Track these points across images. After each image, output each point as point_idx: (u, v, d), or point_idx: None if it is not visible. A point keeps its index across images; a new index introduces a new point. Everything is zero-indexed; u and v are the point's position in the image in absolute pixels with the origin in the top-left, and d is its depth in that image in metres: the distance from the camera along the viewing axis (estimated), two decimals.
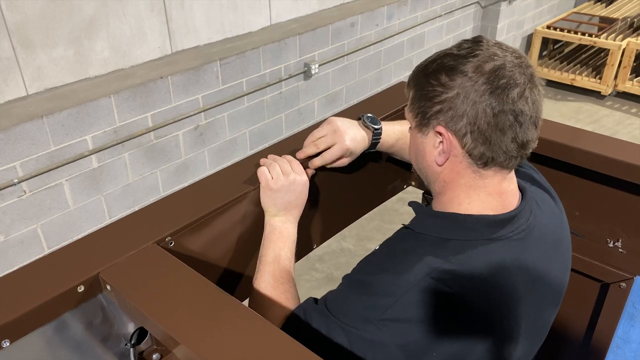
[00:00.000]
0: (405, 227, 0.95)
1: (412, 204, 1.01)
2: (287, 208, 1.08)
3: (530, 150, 0.88)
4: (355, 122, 1.17)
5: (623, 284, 1.33)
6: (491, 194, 0.88)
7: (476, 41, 0.86)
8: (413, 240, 0.90)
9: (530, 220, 0.91)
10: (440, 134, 0.86)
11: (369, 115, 1.18)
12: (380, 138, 1.18)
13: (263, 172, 1.07)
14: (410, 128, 0.95)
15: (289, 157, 1.12)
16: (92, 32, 2.32)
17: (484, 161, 0.85)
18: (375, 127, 1.17)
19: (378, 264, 0.90)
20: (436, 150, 0.88)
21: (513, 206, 0.90)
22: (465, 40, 0.88)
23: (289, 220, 1.09)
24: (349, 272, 0.93)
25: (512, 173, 0.91)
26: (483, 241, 0.86)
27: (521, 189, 0.94)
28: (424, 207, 0.99)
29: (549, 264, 0.94)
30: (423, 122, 0.88)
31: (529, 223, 0.90)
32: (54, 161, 2.17)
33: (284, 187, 1.06)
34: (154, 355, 1.02)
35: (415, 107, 0.89)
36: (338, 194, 1.40)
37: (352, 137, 1.13)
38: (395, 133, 1.21)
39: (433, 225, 0.90)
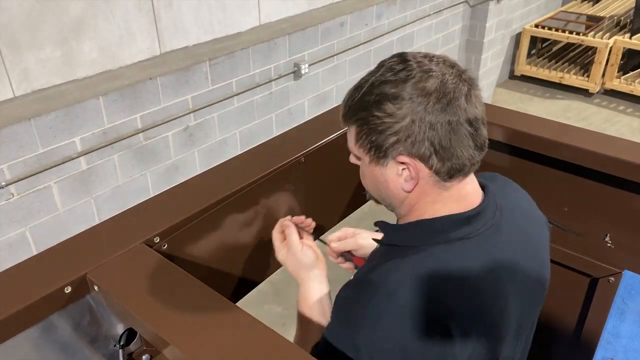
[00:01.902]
0: (378, 243, 0.96)
1: (378, 224, 0.99)
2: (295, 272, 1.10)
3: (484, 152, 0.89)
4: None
5: (612, 278, 1.34)
6: (456, 199, 0.89)
7: (404, 60, 0.85)
8: (383, 255, 0.91)
9: (497, 215, 0.91)
10: (403, 163, 0.85)
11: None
12: None
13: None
14: (357, 160, 0.93)
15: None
16: (79, 33, 2.30)
17: (451, 174, 0.86)
18: None
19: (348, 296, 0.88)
20: (400, 178, 0.87)
21: (477, 204, 0.90)
22: (392, 62, 0.86)
23: (303, 281, 1.08)
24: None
25: (472, 174, 0.91)
26: (453, 242, 0.86)
27: (482, 186, 0.94)
28: (390, 225, 0.96)
29: (525, 258, 0.93)
30: (379, 154, 0.86)
31: (496, 219, 0.90)
32: (42, 163, 2.15)
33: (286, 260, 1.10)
34: (143, 356, 1.01)
35: (365, 142, 0.87)
36: (327, 194, 1.40)
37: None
38: None
39: (401, 237, 0.91)
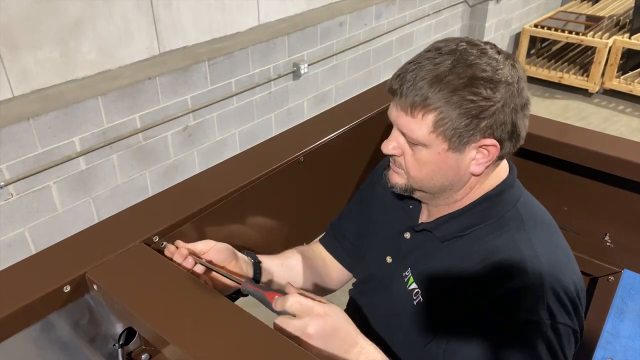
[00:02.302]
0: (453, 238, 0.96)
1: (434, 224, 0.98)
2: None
3: None
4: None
5: (611, 278, 1.34)
6: (498, 169, 0.95)
7: (475, 45, 0.86)
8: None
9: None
10: (486, 146, 0.87)
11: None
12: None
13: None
14: (405, 149, 0.91)
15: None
16: (78, 33, 2.30)
17: (509, 154, 0.92)
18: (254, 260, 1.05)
19: None
20: (473, 161, 0.89)
21: (506, 170, 0.98)
22: (463, 46, 0.85)
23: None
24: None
25: None
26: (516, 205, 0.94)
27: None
28: (446, 216, 0.97)
29: None
30: (462, 140, 0.85)
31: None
32: (41, 163, 2.15)
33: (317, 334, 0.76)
34: (142, 356, 1.01)
35: (448, 128, 0.84)
36: (326, 194, 1.40)
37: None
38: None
39: (477, 216, 0.94)
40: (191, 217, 1.02)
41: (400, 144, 0.91)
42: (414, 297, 0.97)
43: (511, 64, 0.87)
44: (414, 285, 0.98)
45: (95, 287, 0.86)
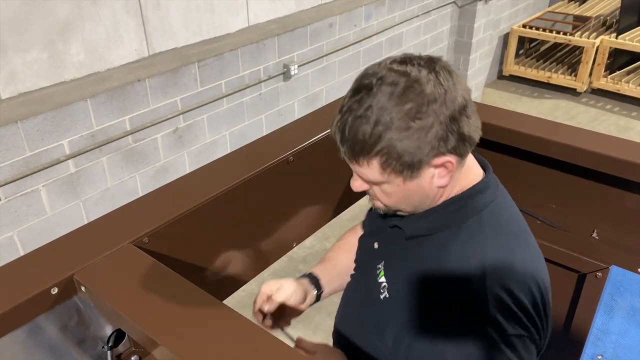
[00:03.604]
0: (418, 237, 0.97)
1: (397, 224, 1.00)
2: None
3: None
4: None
5: (599, 274, 1.35)
6: (466, 168, 0.94)
7: (388, 75, 0.84)
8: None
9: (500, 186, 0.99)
10: (440, 165, 0.87)
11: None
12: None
13: None
14: (372, 185, 0.92)
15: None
16: (66, 35, 2.28)
17: (469, 151, 0.91)
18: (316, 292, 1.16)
19: None
20: (435, 178, 0.89)
21: (480, 175, 0.97)
22: (379, 80, 0.84)
23: None
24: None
25: None
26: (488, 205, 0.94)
27: (479, 160, 1.00)
28: (410, 218, 0.98)
29: None
30: (414, 170, 0.87)
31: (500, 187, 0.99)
32: (29, 167, 2.13)
33: None
34: (132, 358, 1.00)
35: (396, 166, 0.86)
36: (316, 193, 1.40)
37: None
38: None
39: (436, 223, 0.94)
40: (180, 217, 1.02)
41: (364, 182, 0.93)
42: (382, 291, 0.99)
43: (435, 74, 0.85)
44: (383, 279, 1.00)
45: (83, 288, 0.85)
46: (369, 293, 1.03)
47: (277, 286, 1.05)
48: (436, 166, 0.87)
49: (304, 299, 1.10)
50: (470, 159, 0.96)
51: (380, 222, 1.08)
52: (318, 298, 1.16)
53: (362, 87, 0.85)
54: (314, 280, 1.15)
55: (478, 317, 0.85)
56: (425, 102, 0.82)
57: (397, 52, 4.16)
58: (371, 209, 1.24)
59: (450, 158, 0.87)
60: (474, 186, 0.94)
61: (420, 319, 0.90)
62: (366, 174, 0.89)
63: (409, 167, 0.86)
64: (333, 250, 1.29)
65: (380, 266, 1.02)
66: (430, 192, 0.91)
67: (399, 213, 0.98)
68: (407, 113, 0.82)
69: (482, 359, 0.84)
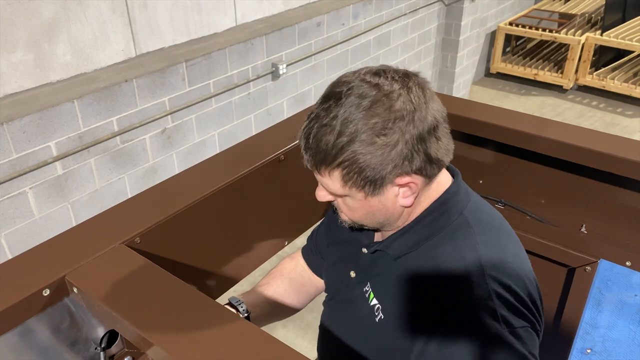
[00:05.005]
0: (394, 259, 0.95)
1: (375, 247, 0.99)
2: None
3: None
4: None
5: (588, 268, 1.37)
6: (436, 183, 0.92)
7: (358, 86, 0.82)
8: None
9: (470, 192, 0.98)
10: (406, 183, 0.86)
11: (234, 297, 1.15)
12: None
13: None
14: (336, 197, 0.91)
15: None
16: (52, 35, 2.26)
17: (440, 170, 0.89)
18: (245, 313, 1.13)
19: None
20: (399, 197, 0.88)
21: (449, 180, 0.95)
22: (349, 92, 0.82)
23: None
24: None
25: None
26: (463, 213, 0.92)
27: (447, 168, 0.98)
28: (390, 239, 0.97)
29: None
30: (376, 186, 0.85)
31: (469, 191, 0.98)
32: (16, 169, 2.11)
33: None
34: (125, 358, 1.00)
35: (357, 180, 0.84)
36: (307, 193, 1.40)
37: None
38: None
39: (421, 235, 0.92)
40: (172, 217, 1.02)
41: (328, 193, 0.91)
42: (376, 314, 0.96)
43: (407, 89, 0.82)
44: (375, 301, 0.97)
45: (75, 289, 0.85)
46: (362, 319, 0.99)
47: None
48: (400, 185, 0.85)
49: None
50: (443, 173, 0.94)
51: (351, 249, 1.05)
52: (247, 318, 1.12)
53: (332, 96, 0.83)
54: (236, 302, 1.11)
55: (484, 314, 0.82)
56: (392, 118, 0.80)
57: (385, 51, 4.17)
58: (312, 233, 1.26)
59: (415, 179, 0.85)
60: (447, 190, 0.92)
61: (423, 329, 0.88)
62: (328, 184, 0.88)
63: (371, 183, 0.84)
64: (267, 276, 1.26)
65: (367, 289, 0.99)
66: (394, 211, 0.90)
67: (365, 227, 0.97)
68: (372, 127, 0.80)
69: (493, 355, 0.82)
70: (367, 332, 0.98)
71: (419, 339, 0.87)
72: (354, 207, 0.90)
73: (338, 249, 1.13)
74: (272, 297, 1.18)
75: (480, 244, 0.88)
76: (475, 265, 0.86)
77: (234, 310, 1.09)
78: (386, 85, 0.82)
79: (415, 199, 0.89)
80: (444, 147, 0.86)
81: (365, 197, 0.87)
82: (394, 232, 0.96)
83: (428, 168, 0.85)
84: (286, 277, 1.24)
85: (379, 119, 0.80)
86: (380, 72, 0.84)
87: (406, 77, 0.84)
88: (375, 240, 1.03)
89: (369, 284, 0.99)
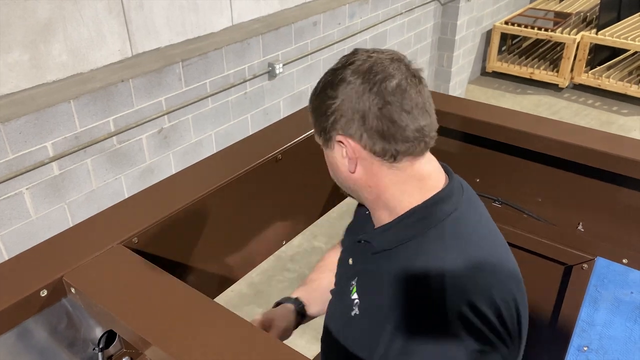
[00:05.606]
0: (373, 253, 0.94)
1: (364, 234, 0.99)
2: None
3: (433, 135, 0.89)
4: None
5: (585, 265, 1.37)
6: (418, 179, 0.90)
7: (353, 52, 0.92)
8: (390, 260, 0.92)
9: (464, 192, 0.94)
10: (341, 142, 0.89)
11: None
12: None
13: None
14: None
15: None
16: (48, 35, 2.26)
17: (391, 154, 0.87)
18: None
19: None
20: (345, 159, 0.90)
21: (442, 183, 0.92)
22: (344, 55, 0.93)
23: None
24: None
25: (428, 154, 0.92)
26: (443, 221, 0.89)
27: (443, 167, 0.96)
28: (373, 229, 0.97)
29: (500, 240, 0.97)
30: (326, 137, 0.91)
31: (466, 194, 0.94)
32: (12, 170, 2.10)
33: None
34: (123, 359, 1.00)
35: (317, 127, 0.93)
36: (305, 191, 1.40)
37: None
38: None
39: (400, 235, 0.91)
40: (169, 217, 1.02)
41: None
42: (353, 308, 0.96)
43: (395, 65, 0.86)
44: (355, 296, 0.97)
45: (73, 290, 0.85)
46: (344, 310, 0.99)
47: (269, 324, 1.14)
48: (338, 142, 0.89)
49: (291, 330, 1.18)
50: (431, 166, 0.92)
51: (353, 237, 1.06)
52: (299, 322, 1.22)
53: (347, 60, 0.91)
54: (299, 306, 1.21)
55: (440, 333, 0.81)
56: (344, 79, 0.86)
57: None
58: (350, 224, 1.25)
59: (352, 144, 0.87)
60: (436, 194, 0.90)
61: (386, 334, 0.86)
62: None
63: (322, 131, 0.91)
64: (315, 271, 1.29)
65: (353, 282, 0.99)
66: (347, 176, 0.92)
67: (349, 196, 1.00)
68: (330, 81, 0.88)
69: None
70: (342, 326, 1.00)
71: (381, 342, 0.86)
72: (327, 162, 0.98)
73: (347, 238, 1.15)
74: (325, 291, 1.18)
75: (448, 261, 0.85)
76: (437, 284, 0.83)
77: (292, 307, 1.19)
78: (372, 54, 0.88)
79: (356, 166, 0.89)
80: (396, 134, 0.85)
81: (324, 147, 0.95)
82: (381, 225, 0.95)
83: (368, 142, 0.86)
84: (333, 270, 1.23)
85: (341, 75, 0.87)
86: (398, 58, 0.89)
87: (404, 61, 0.88)
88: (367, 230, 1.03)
89: (356, 279, 1.00)
